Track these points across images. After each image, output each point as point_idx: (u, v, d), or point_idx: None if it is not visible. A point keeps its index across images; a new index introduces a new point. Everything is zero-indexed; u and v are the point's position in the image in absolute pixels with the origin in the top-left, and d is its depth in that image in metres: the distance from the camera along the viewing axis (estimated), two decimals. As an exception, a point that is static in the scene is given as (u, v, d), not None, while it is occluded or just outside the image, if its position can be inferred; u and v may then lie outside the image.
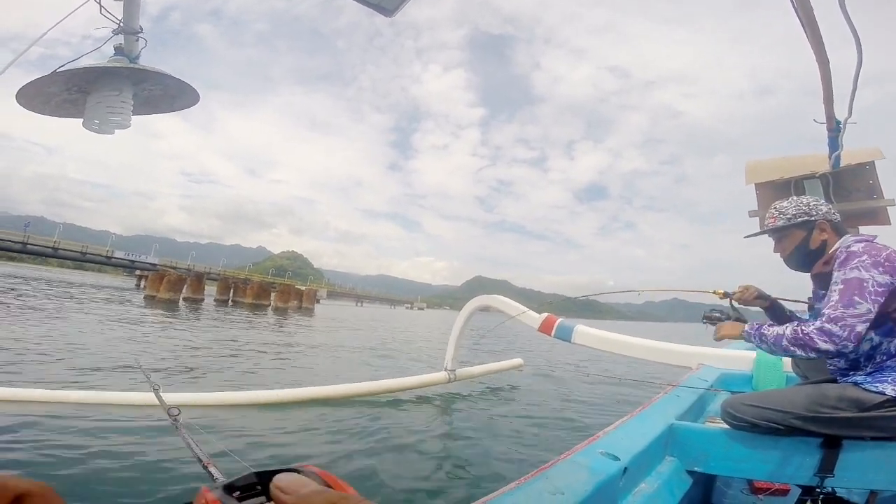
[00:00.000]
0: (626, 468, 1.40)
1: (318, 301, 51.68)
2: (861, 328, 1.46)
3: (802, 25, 1.61)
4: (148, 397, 4.37)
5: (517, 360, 8.09)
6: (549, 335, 5.06)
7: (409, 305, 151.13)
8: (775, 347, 1.64)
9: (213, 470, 0.70)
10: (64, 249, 49.18)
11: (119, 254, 55.27)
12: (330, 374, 8.14)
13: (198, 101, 2.29)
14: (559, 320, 5.05)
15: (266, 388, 5.59)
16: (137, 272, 55.80)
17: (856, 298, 1.48)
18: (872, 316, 1.47)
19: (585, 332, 4.76)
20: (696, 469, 1.76)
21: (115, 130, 2.17)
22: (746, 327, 1.79)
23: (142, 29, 2.08)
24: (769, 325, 1.71)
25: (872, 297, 1.48)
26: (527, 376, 8.19)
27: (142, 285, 46.10)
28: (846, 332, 1.46)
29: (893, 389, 1.48)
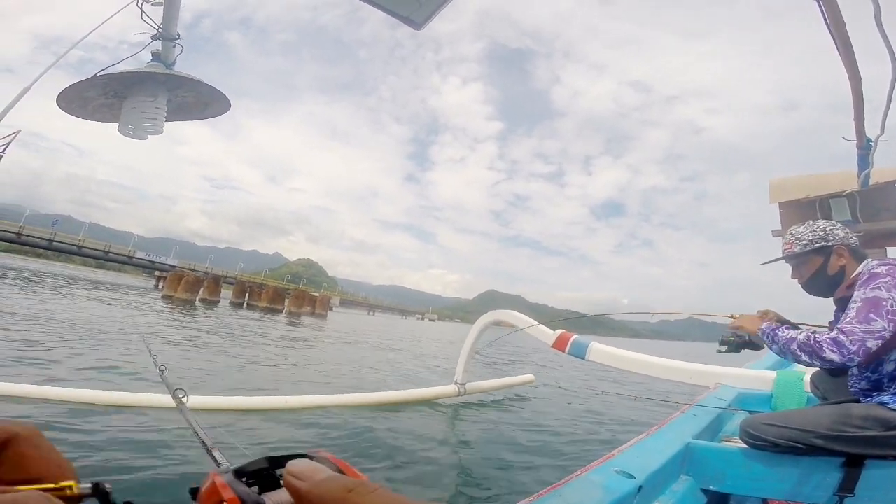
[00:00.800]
0: (640, 486, 1.39)
1: (331, 308, 52.05)
2: (871, 344, 1.47)
3: (834, 40, 1.59)
4: (155, 392, 4.46)
5: (528, 376, 8.03)
6: (564, 352, 5.00)
7: (421, 316, 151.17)
8: (785, 349, 1.66)
9: (217, 455, 0.69)
10: (88, 248, 50.63)
11: (140, 254, 56.70)
12: (340, 381, 8.15)
13: (229, 108, 2.32)
14: (573, 337, 4.99)
15: (275, 394, 5.61)
16: (157, 273, 57.13)
17: (872, 316, 1.50)
18: (887, 335, 1.48)
19: (600, 349, 4.69)
20: (711, 488, 1.76)
21: (149, 136, 2.21)
22: (763, 325, 1.80)
23: (179, 35, 2.12)
24: (786, 328, 1.72)
25: (889, 317, 1.49)
26: (539, 392, 8.09)
27: (160, 286, 47.13)
28: (855, 346, 1.47)
29: None
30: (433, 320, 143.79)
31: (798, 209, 3.28)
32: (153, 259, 57.66)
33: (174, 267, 49.13)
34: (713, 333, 2.18)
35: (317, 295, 47.76)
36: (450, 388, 6.43)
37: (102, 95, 2.17)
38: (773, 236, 3.45)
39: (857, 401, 1.68)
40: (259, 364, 8.84)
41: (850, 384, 1.75)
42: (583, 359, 4.83)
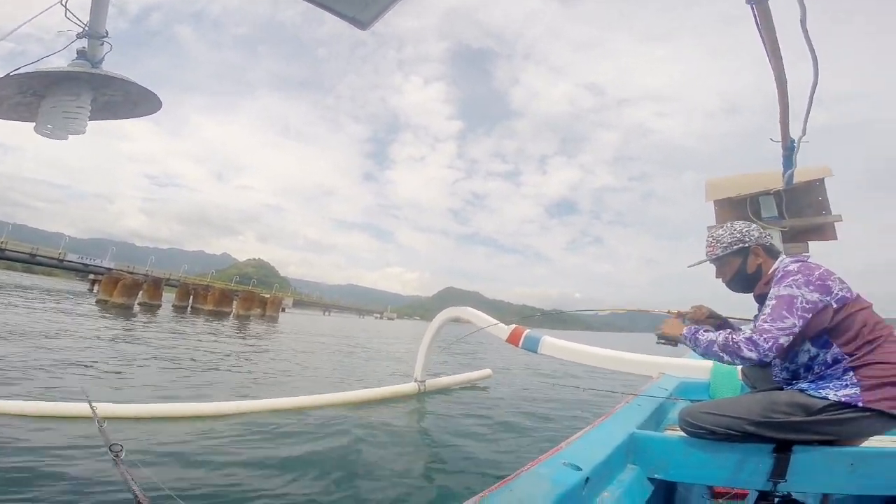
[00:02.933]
0: (588, 478, 1.41)
1: (283, 310, 50.42)
2: (784, 341, 1.59)
3: (763, 43, 1.67)
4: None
5: (486, 371, 8.13)
6: (517, 346, 5.09)
7: (379, 315, 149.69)
8: (707, 352, 1.74)
9: None
10: (11, 251, 46.58)
11: (72, 256, 52.69)
12: (296, 384, 7.88)
13: (160, 108, 2.28)
14: (526, 332, 5.09)
15: (225, 401, 5.33)
16: (91, 276, 53.19)
17: (784, 313, 1.61)
18: (797, 331, 1.60)
19: (552, 343, 4.81)
20: (656, 476, 1.79)
21: (69, 136, 2.13)
22: (685, 330, 1.87)
23: (107, 33, 2.04)
24: (704, 331, 1.80)
25: (799, 314, 1.61)
26: (495, 386, 8.19)
27: (95, 289, 43.91)
28: (769, 344, 1.58)
29: (835, 395, 1.59)
30: (392, 319, 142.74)
31: (731, 207, 3.49)
32: (86, 261, 53.54)
33: (110, 269, 45.86)
34: (658, 323, 2.26)
35: (268, 296, 46.07)
36: (409, 386, 6.39)
37: (18, 94, 2.06)
38: (708, 231, 3.66)
39: (782, 388, 1.79)
40: (200, 371, 8.38)
41: (773, 374, 1.87)
42: (535, 352, 4.94)
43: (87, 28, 1.98)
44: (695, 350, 1.82)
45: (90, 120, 2.12)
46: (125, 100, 2.20)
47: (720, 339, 1.69)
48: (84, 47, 2.03)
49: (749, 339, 1.62)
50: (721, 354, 1.68)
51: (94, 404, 1.53)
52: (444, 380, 7.26)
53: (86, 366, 7.32)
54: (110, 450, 1.09)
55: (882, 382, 1.57)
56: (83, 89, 2.06)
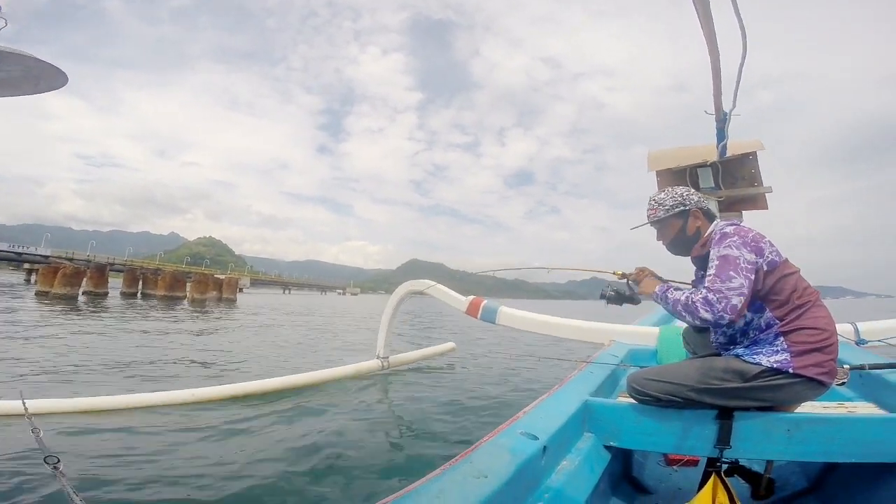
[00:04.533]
0: (545, 447, 1.43)
1: (240, 290, 48.81)
2: (736, 301, 1.58)
3: (698, 17, 1.69)
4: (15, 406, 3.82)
5: (449, 344, 8.21)
6: (476, 318, 5.16)
7: (342, 291, 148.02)
8: (672, 309, 1.77)
9: None
10: (-73, 242, 42.11)
11: (2, 245, 48.47)
12: (254, 368, 7.72)
13: (66, 82, 2.11)
14: (484, 302, 5.15)
15: (178, 389, 5.14)
16: (26, 266, 49.22)
17: (731, 273, 1.62)
18: (746, 291, 1.60)
19: (509, 313, 4.90)
20: (612, 444, 1.81)
21: None
22: (657, 287, 1.91)
23: (1, 8, 1.99)
24: (674, 289, 1.84)
25: (744, 273, 1.62)
26: (458, 359, 8.32)
27: (33, 280, 40.78)
28: (723, 304, 1.58)
29: (768, 360, 1.62)
30: (355, 294, 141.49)
31: (671, 177, 3.63)
32: (19, 250, 49.42)
33: (47, 257, 42.60)
34: (604, 286, 2.29)
35: (223, 277, 44.36)
36: (372, 363, 6.37)
37: None
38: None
39: (719, 354, 1.82)
40: (158, 359, 8.06)
41: (712, 339, 1.91)
42: (493, 323, 5.03)
43: (-22, 4, 1.76)
44: (665, 308, 1.84)
45: None
46: (25, 75, 2.08)
47: (683, 297, 1.70)
48: (-25, 23, 1.80)
49: (705, 298, 1.61)
50: (683, 314, 1.69)
51: (26, 401, 1.42)
52: (408, 355, 7.30)
53: (35, 367, 6.85)
54: (46, 461, 1.03)
55: (810, 348, 1.60)
56: (-27, 65, 1.85)
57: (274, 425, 4.24)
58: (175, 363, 7.85)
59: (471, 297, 5.32)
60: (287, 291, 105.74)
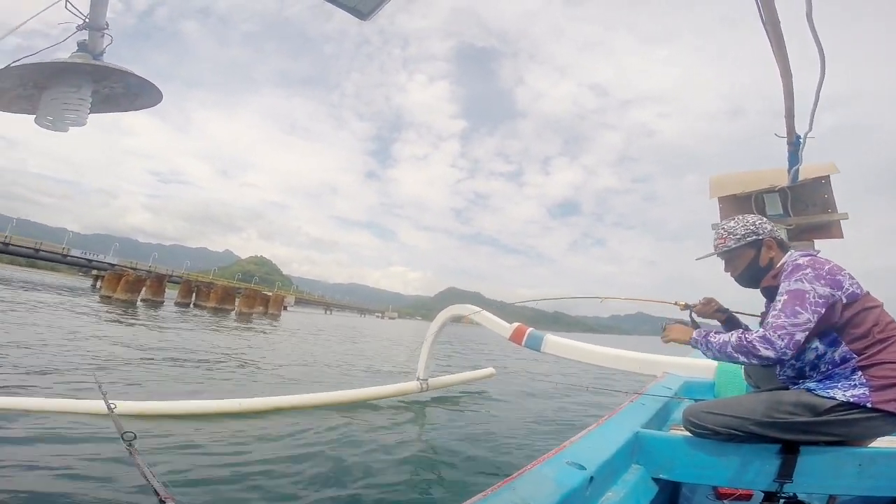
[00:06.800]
0: (592, 477, 1.39)
1: (285, 308, 50.46)
2: (800, 337, 1.54)
3: (769, 39, 1.66)
4: (98, 406, 4.08)
5: (489, 370, 8.13)
6: (520, 344, 5.08)
7: (381, 315, 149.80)
8: (720, 354, 1.69)
9: None
10: (15, 245, 46.70)
11: (76, 252, 52.85)
12: (298, 382, 7.89)
13: (160, 100, 2.28)
14: (529, 330, 5.08)
15: (229, 398, 5.34)
16: (94, 272, 53.43)
17: (797, 309, 1.56)
18: (812, 326, 1.55)
19: (555, 341, 4.79)
20: (661, 476, 1.77)
21: (70, 128, 2.12)
22: (694, 334, 1.83)
23: (108, 25, 2.03)
24: (715, 333, 1.76)
25: (813, 308, 1.56)
26: (498, 385, 8.19)
27: (98, 285, 44.13)
28: (785, 341, 1.53)
29: (843, 394, 1.55)
30: (393, 318, 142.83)
31: (735, 203, 3.47)
32: (90, 257, 53.77)
33: (113, 265, 46.03)
34: (663, 325, 2.23)
35: (270, 294, 46.15)
36: (412, 385, 6.38)
37: (19, 86, 2.06)
38: (712, 229, 3.65)
39: (787, 388, 1.74)
40: (207, 366, 8.41)
41: (778, 373, 1.82)
42: (538, 351, 4.92)
43: (87, 20, 1.98)
44: (706, 354, 1.78)
45: (91, 112, 2.12)
46: (126, 92, 2.20)
47: (733, 339, 1.64)
48: (85, 39, 2.03)
49: (763, 336, 1.57)
50: (736, 355, 1.63)
51: (110, 401, 1.52)
52: (447, 378, 7.25)
53: (99, 363, 7.34)
54: (122, 438, 1.09)
55: (892, 383, 1.53)
56: (84, 81, 2.06)
57: (315, 440, 4.28)
58: (221, 370, 8.16)
59: (515, 324, 5.26)
60: (329, 312, 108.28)
